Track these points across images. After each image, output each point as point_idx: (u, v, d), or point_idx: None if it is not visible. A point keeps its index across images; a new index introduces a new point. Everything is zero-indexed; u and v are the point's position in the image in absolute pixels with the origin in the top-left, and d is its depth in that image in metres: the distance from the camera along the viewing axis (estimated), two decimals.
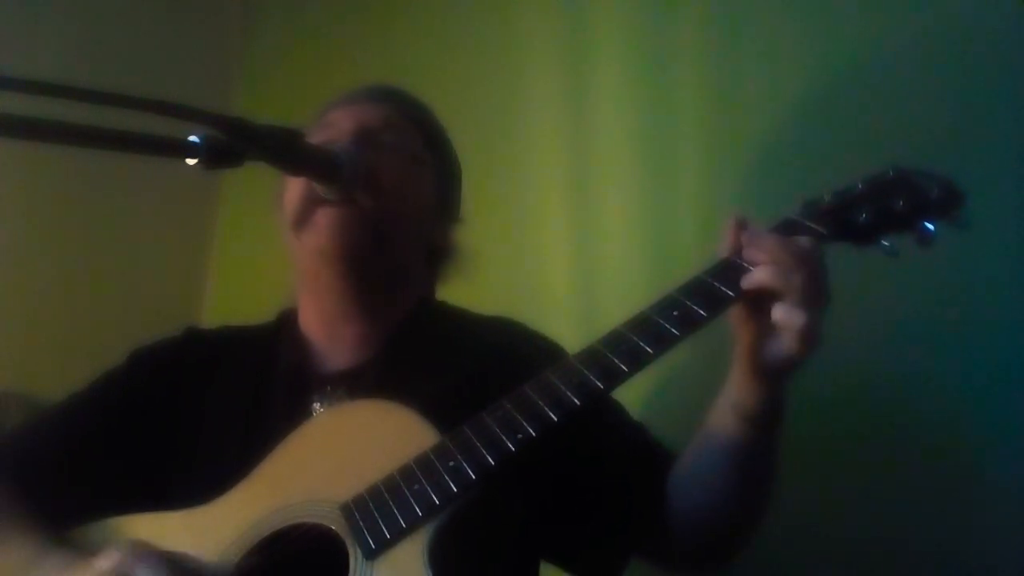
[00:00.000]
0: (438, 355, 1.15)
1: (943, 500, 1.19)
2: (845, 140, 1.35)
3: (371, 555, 0.87)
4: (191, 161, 0.87)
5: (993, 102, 1.22)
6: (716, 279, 0.91)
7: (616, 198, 1.63)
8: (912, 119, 1.28)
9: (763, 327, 0.88)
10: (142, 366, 1.21)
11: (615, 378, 0.88)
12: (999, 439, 1.17)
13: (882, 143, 1.28)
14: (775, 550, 1.14)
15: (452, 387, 1.06)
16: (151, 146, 0.86)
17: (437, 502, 0.87)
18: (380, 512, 0.88)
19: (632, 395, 1.16)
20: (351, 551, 0.88)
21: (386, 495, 0.89)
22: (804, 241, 0.89)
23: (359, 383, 1.12)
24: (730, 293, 0.89)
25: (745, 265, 0.90)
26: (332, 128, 1.16)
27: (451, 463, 0.88)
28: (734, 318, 0.92)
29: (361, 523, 0.89)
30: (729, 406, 0.95)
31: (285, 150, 0.98)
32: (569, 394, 0.88)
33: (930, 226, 0.92)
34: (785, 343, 0.86)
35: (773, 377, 0.91)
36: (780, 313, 0.85)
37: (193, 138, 0.87)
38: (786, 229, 0.93)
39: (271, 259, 1.96)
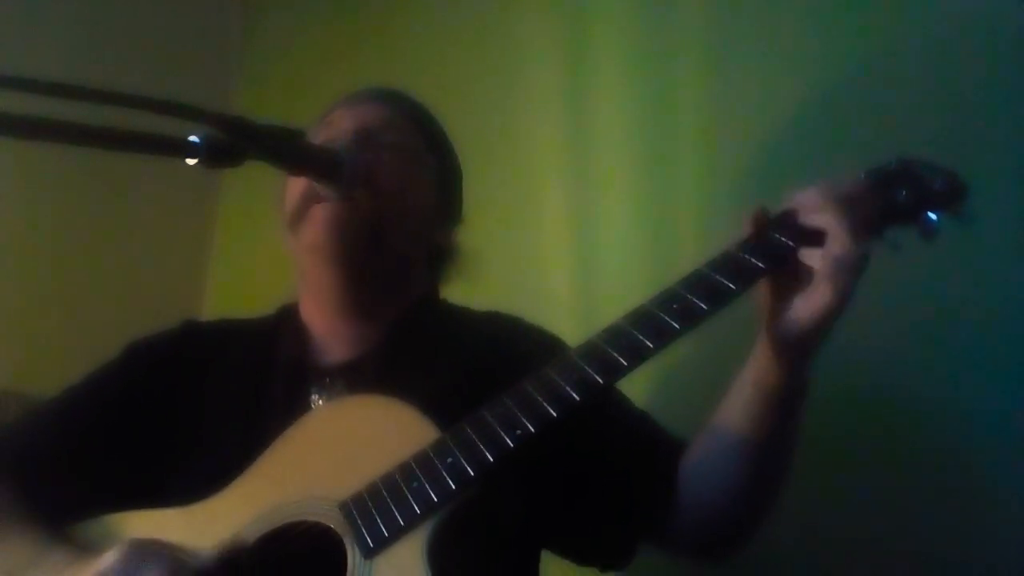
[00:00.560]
0: (438, 350, 1.15)
1: (943, 500, 1.19)
2: (845, 140, 1.35)
3: (370, 554, 0.87)
4: (191, 161, 0.87)
5: (993, 102, 1.22)
6: (717, 272, 0.90)
7: (616, 198, 1.63)
8: (912, 119, 1.28)
9: (789, 293, 0.88)
10: (138, 359, 1.20)
11: (615, 373, 0.88)
12: (999, 439, 1.17)
13: (882, 143, 1.28)
14: (775, 550, 1.14)
15: (451, 382, 1.06)
16: (151, 146, 0.86)
17: (436, 500, 0.86)
18: (379, 510, 0.88)
19: (633, 390, 1.16)
20: (349, 549, 0.88)
21: (385, 493, 0.89)
22: (848, 185, 0.90)
23: (358, 376, 1.12)
24: (731, 286, 0.89)
25: (746, 257, 0.90)
26: (332, 128, 1.16)
27: (450, 460, 0.88)
28: (759, 292, 0.92)
29: (359, 521, 0.89)
30: (750, 383, 0.95)
31: (285, 150, 0.98)
32: (569, 389, 0.88)
33: (933, 217, 0.92)
34: (813, 294, 0.86)
35: (798, 347, 0.90)
36: (832, 246, 0.84)
37: (193, 138, 0.87)
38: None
39: (271, 259, 1.96)
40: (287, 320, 1.23)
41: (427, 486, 0.87)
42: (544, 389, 0.89)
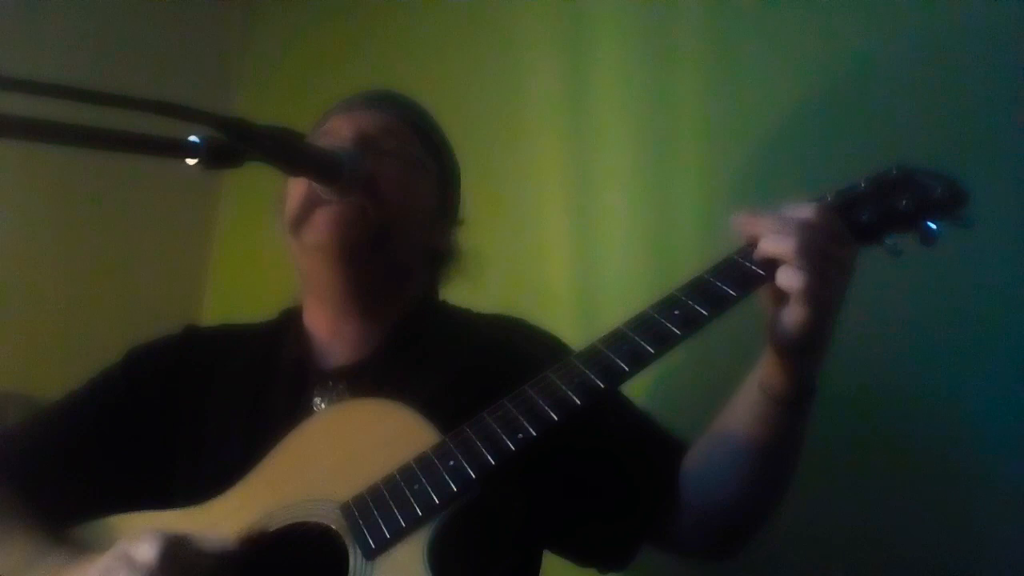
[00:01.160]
0: (439, 353, 1.15)
1: (943, 501, 1.19)
2: (845, 140, 1.35)
3: (371, 555, 0.87)
4: (191, 161, 0.87)
5: (993, 102, 1.22)
6: (718, 278, 0.90)
7: (616, 198, 1.63)
8: (912, 119, 1.28)
9: (780, 301, 0.89)
10: (140, 364, 1.21)
11: (616, 377, 0.88)
12: (999, 440, 1.17)
13: (882, 143, 1.28)
14: (774, 550, 1.14)
15: (453, 385, 1.06)
16: (151, 146, 0.86)
17: (437, 502, 0.87)
18: (380, 512, 0.88)
19: (633, 392, 1.16)
20: (351, 551, 0.88)
21: (386, 495, 0.89)
22: (804, 209, 0.90)
23: (360, 379, 1.12)
24: (732, 292, 0.89)
25: (746, 263, 0.90)
26: (332, 136, 1.16)
27: (451, 463, 0.88)
28: (762, 296, 0.92)
29: (361, 523, 0.89)
30: (757, 385, 0.96)
31: (285, 150, 0.98)
32: (570, 394, 0.88)
33: (933, 225, 0.92)
34: (790, 308, 0.87)
35: (793, 352, 0.91)
36: (780, 277, 0.86)
37: (193, 138, 0.87)
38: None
39: (271, 259, 1.96)
40: (289, 324, 1.23)
41: (428, 488, 0.88)
42: (545, 393, 0.89)
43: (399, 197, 1.14)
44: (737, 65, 1.51)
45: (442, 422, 0.94)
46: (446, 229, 1.27)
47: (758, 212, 0.93)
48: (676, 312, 0.89)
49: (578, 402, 0.87)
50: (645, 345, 0.88)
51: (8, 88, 0.74)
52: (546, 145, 1.77)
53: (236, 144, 0.90)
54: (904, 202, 0.93)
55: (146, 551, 0.84)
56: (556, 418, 0.87)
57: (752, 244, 0.91)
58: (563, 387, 0.88)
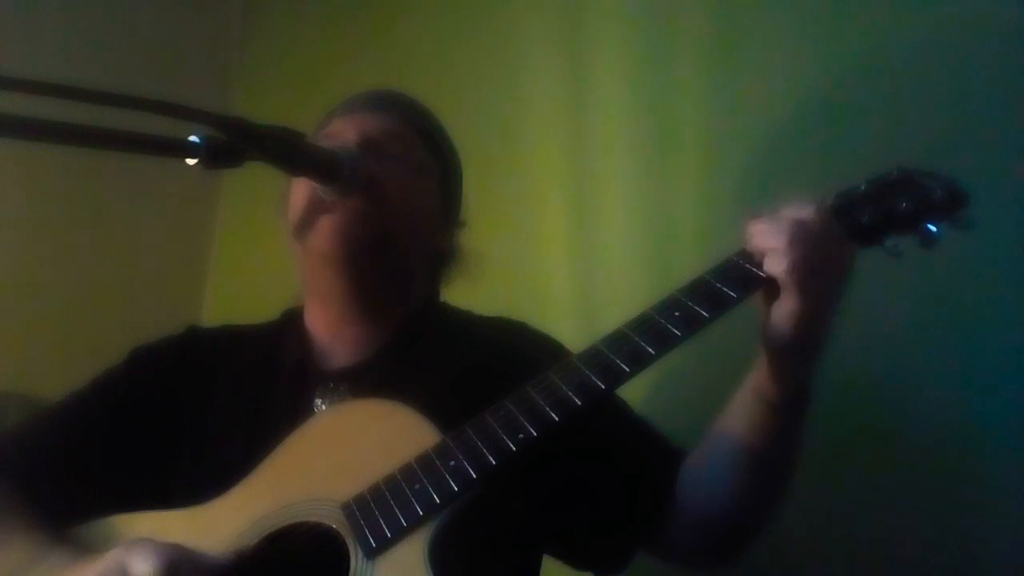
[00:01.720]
0: (440, 354, 1.15)
1: (943, 500, 1.19)
2: (845, 140, 1.35)
3: (372, 554, 0.87)
4: (191, 161, 0.87)
5: (993, 102, 1.22)
6: (718, 279, 0.91)
7: (616, 198, 1.63)
8: (912, 119, 1.28)
9: (773, 303, 0.89)
10: (143, 365, 1.21)
11: (617, 378, 0.88)
12: (999, 439, 1.17)
13: (882, 143, 1.28)
14: (774, 549, 1.14)
15: (454, 386, 1.06)
16: (151, 146, 0.86)
17: (438, 501, 0.87)
18: (381, 511, 0.89)
19: (633, 395, 1.16)
20: (352, 550, 0.88)
21: (387, 494, 0.90)
22: (799, 209, 0.90)
23: (361, 380, 1.12)
24: (732, 294, 0.89)
25: (746, 265, 0.90)
26: (335, 138, 1.15)
27: (452, 462, 0.88)
28: (758, 301, 0.92)
29: (362, 522, 0.89)
30: (751, 390, 0.96)
31: (285, 150, 0.98)
32: (570, 394, 0.88)
33: (933, 227, 0.92)
34: (783, 301, 0.87)
35: (787, 354, 0.91)
36: (769, 264, 0.87)
37: (193, 138, 0.87)
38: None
39: (271, 259, 1.96)
40: (290, 325, 1.23)
41: (429, 487, 0.88)
42: (546, 393, 0.89)
43: (403, 202, 1.14)
44: (737, 65, 1.51)
45: (443, 423, 0.94)
46: (448, 231, 1.27)
47: (762, 216, 0.93)
48: (676, 313, 0.89)
49: (579, 402, 0.87)
50: (645, 346, 0.88)
51: (8, 88, 0.74)
52: (546, 145, 1.77)
53: (236, 144, 0.90)
54: (904, 204, 0.93)
55: (143, 569, 0.83)
56: (557, 418, 0.87)
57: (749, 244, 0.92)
58: (564, 387, 0.89)
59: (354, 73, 2.11)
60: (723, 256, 0.94)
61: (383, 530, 0.87)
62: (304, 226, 1.12)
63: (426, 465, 0.90)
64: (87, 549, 0.97)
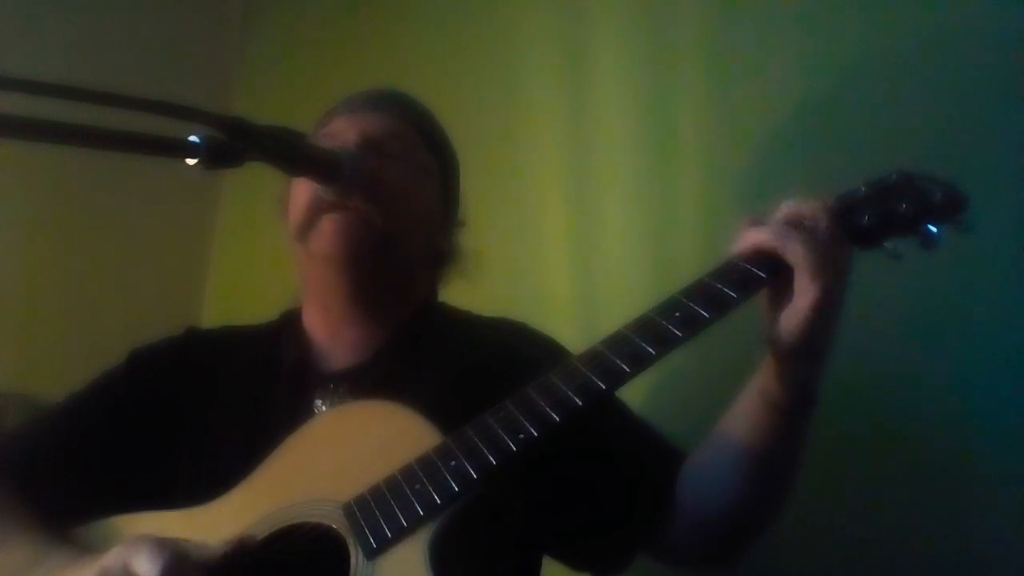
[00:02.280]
0: (441, 355, 1.15)
1: (943, 500, 1.19)
2: (845, 140, 1.35)
3: (372, 554, 0.87)
4: (191, 161, 0.87)
5: (993, 103, 1.22)
6: (719, 280, 0.91)
7: (616, 198, 1.63)
8: (912, 119, 1.28)
9: (784, 302, 0.89)
10: (142, 366, 1.21)
11: (617, 379, 0.88)
12: (999, 439, 1.17)
13: (882, 143, 1.28)
14: (774, 549, 1.14)
15: (454, 387, 1.06)
16: (151, 146, 0.86)
17: (439, 502, 0.87)
18: (382, 511, 0.89)
19: (633, 394, 1.16)
20: (352, 550, 0.88)
21: (388, 494, 0.90)
22: (799, 205, 0.91)
23: (361, 382, 1.12)
24: (732, 294, 0.89)
25: (747, 265, 0.90)
26: (336, 138, 1.15)
27: (453, 463, 0.88)
28: (760, 301, 0.92)
29: (363, 522, 0.89)
30: (756, 392, 0.96)
31: (285, 150, 0.98)
32: (571, 395, 0.88)
33: (933, 229, 0.92)
34: (801, 293, 0.87)
35: (792, 356, 0.90)
36: (792, 252, 0.87)
37: (193, 138, 0.87)
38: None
39: (271, 259, 1.96)
40: (289, 326, 1.23)
41: (430, 487, 0.88)
42: (547, 394, 0.89)
43: (405, 203, 1.14)
44: (737, 65, 1.51)
45: (444, 423, 0.94)
46: (448, 231, 1.27)
47: (760, 218, 0.93)
48: (677, 314, 0.89)
49: (579, 403, 0.87)
50: (646, 347, 0.88)
51: (8, 88, 0.74)
52: (546, 145, 1.77)
53: (236, 144, 0.90)
54: (904, 206, 0.93)
55: (146, 568, 0.83)
56: (557, 419, 0.87)
57: (754, 247, 0.92)
58: (564, 388, 0.88)
59: (354, 73, 2.11)
60: (723, 256, 0.94)
61: (383, 530, 0.87)
62: (307, 228, 1.12)
63: (427, 465, 0.90)
64: (87, 549, 0.97)
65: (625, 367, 0.88)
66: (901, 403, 1.25)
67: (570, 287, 1.67)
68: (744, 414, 0.98)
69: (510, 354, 1.14)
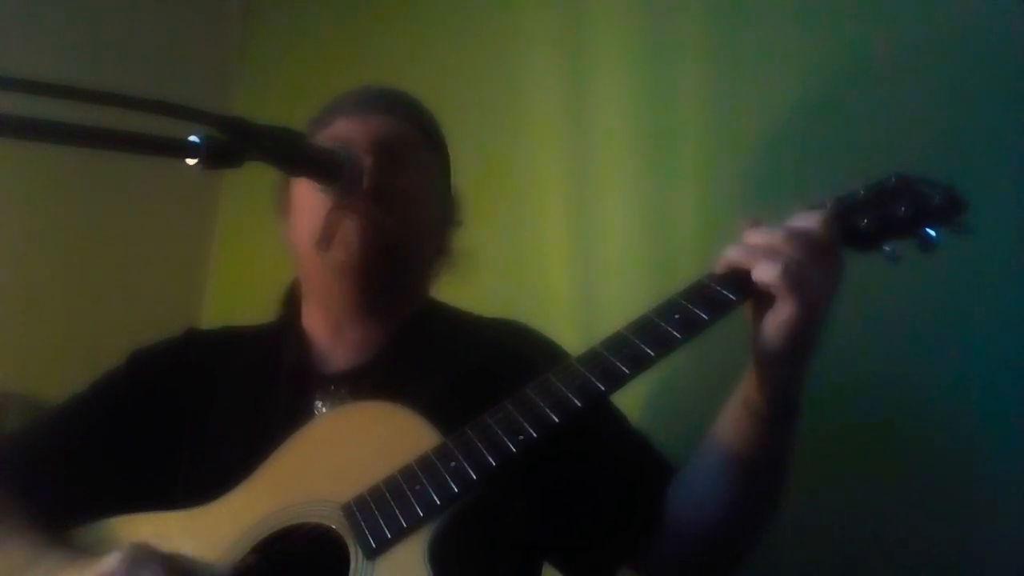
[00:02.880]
0: (441, 356, 1.15)
1: (943, 500, 1.19)
2: (845, 140, 1.35)
3: (372, 555, 0.87)
4: (191, 161, 0.87)
5: (993, 103, 1.22)
6: (718, 283, 0.91)
7: (616, 198, 1.63)
8: (912, 119, 1.28)
9: (765, 310, 0.89)
10: (142, 367, 1.21)
11: (616, 380, 0.88)
12: (999, 439, 1.17)
13: (882, 143, 1.28)
14: (773, 550, 1.14)
15: (454, 388, 1.06)
16: (151, 146, 0.85)
17: (438, 502, 0.87)
18: (381, 512, 0.89)
19: (631, 399, 1.16)
20: (352, 551, 0.89)
21: (387, 495, 0.90)
22: (797, 219, 0.90)
23: (361, 383, 1.12)
24: (732, 297, 0.89)
25: (746, 269, 0.90)
26: (344, 140, 1.12)
27: (452, 463, 0.88)
28: (748, 311, 0.92)
29: (362, 523, 0.89)
30: (741, 402, 0.95)
31: (285, 150, 0.98)
32: (570, 396, 0.88)
33: (932, 232, 0.92)
34: (778, 307, 0.87)
35: (776, 362, 0.90)
36: (764, 272, 0.86)
37: (193, 138, 0.86)
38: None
39: (271, 259, 1.96)
40: (289, 326, 1.23)
41: (429, 488, 0.88)
42: (546, 395, 0.89)
43: (417, 211, 1.15)
44: (737, 65, 1.51)
45: (443, 424, 0.94)
46: (449, 232, 1.27)
47: (760, 219, 0.93)
48: (676, 316, 0.89)
49: (579, 404, 0.87)
50: (645, 348, 0.88)
51: (8, 88, 0.74)
52: (546, 145, 1.77)
53: (236, 144, 0.90)
54: (903, 209, 0.93)
55: None
56: (557, 420, 0.87)
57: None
58: (564, 389, 0.89)
59: (354, 72, 2.10)
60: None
61: (383, 531, 0.87)
62: (326, 236, 1.11)
63: (426, 466, 0.90)
64: (84, 551, 0.97)
65: (624, 368, 0.88)
66: (901, 404, 1.25)
67: (570, 287, 1.66)
68: (729, 423, 0.98)
69: (510, 355, 1.14)
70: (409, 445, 0.92)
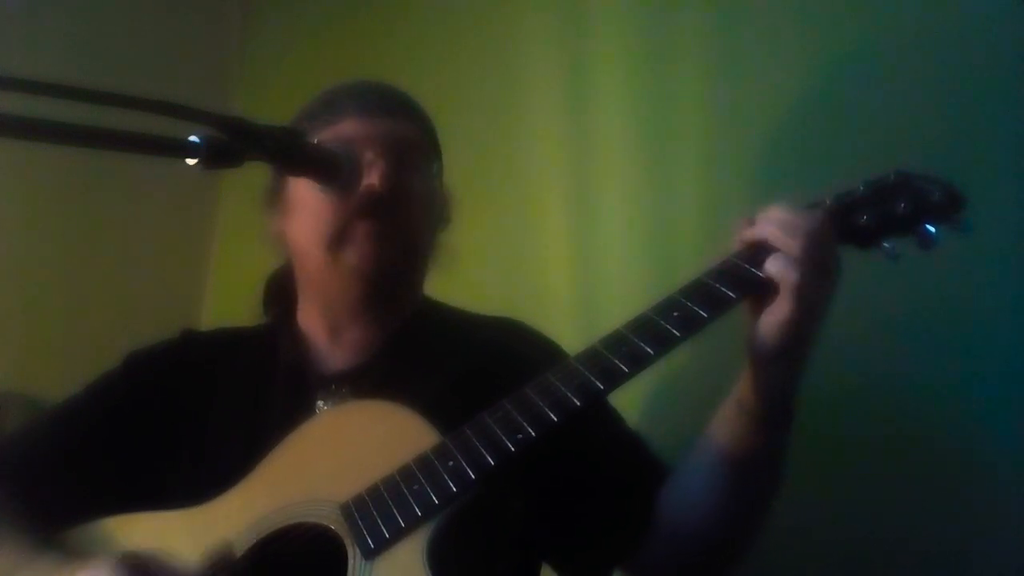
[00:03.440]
0: (440, 355, 1.15)
1: (943, 500, 1.19)
2: (845, 140, 1.35)
3: (370, 555, 0.87)
4: (191, 161, 0.87)
5: (993, 102, 1.22)
6: (717, 280, 0.91)
7: (616, 198, 1.63)
8: (912, 119, 1.28)
9: (761, 310, 0.89)
10: (140, 368, 1.21)
11: (615, 379, 0.88)
12: (999, 439, 1.17)
13: (882, 143, 1.28)
14: (774, 550, 1.14)
15: (453, 387, 1.06)
16: (151, 146, 0.85)
17: (436, 502, 0.87)
18: (379, 512, 0.89)
19: (630, 399, 1.16)
20: (350, 551, 0.89)
21: (385, 495, 0.90)
22: (810, 213, 0.90)
23: (361, 382, 1.12)
24: (731, 294, 0.89)
25: (744, 265, 0.90)
26: (353, 142, 1.10)
27: (451, 463, 0.88)
28: (744, 311, 0.92)
29: (360, 523, 0.89)
30: (735, 402, 0.95)
31: (285, 150, 0.98)
32: (569, 395, 0.88)
33: (931, 229, 0.92)
34: (778, 305, 0.86)
35: (772, 361, 0.89)
36: (774, 265, 0.87)
37: (193, 138, 0.86)
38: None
39: (271, 259, 1.95)
40: (284, 326, 1.22)
41: (428, 488, 0.88)
42: (545, 394, 0.89)
43: (426, 214, 1.16)
44: (737, 65, 1.51)
45: (442, 424, 0.94)
46: (444, 231, 1.27)
47: (759, 217, 0.93)
48: (675, 314, 0.89)
49: (578, 403, 0.87)
50: (644, 347, 0.88)
51: (8, 88, 0.74)
52: (546, 145, 1.77)
53: (236, 144, 0.90)
54: (902, 206, 0.93)
55: None
56: (555, 419, 0.87)
57: (751, 247, 0.91)
58: (563, 388, 0.88)
59: (354, 73, 2.09)
60: (722, 255, 0.94)
61: (381, 531, 0.87)
62: (339, 239, 1.11)
63: (425, 466, 0.90)
64: (77, 553, 0.96)
65: (623, 367, 0.88)
66: (901, 404, 1.25)
67: (569, 286, 1.66)
68: (723, 424, 0.97)
69: (509, 354, 1.14)
70: (408, 444, 0.92)
